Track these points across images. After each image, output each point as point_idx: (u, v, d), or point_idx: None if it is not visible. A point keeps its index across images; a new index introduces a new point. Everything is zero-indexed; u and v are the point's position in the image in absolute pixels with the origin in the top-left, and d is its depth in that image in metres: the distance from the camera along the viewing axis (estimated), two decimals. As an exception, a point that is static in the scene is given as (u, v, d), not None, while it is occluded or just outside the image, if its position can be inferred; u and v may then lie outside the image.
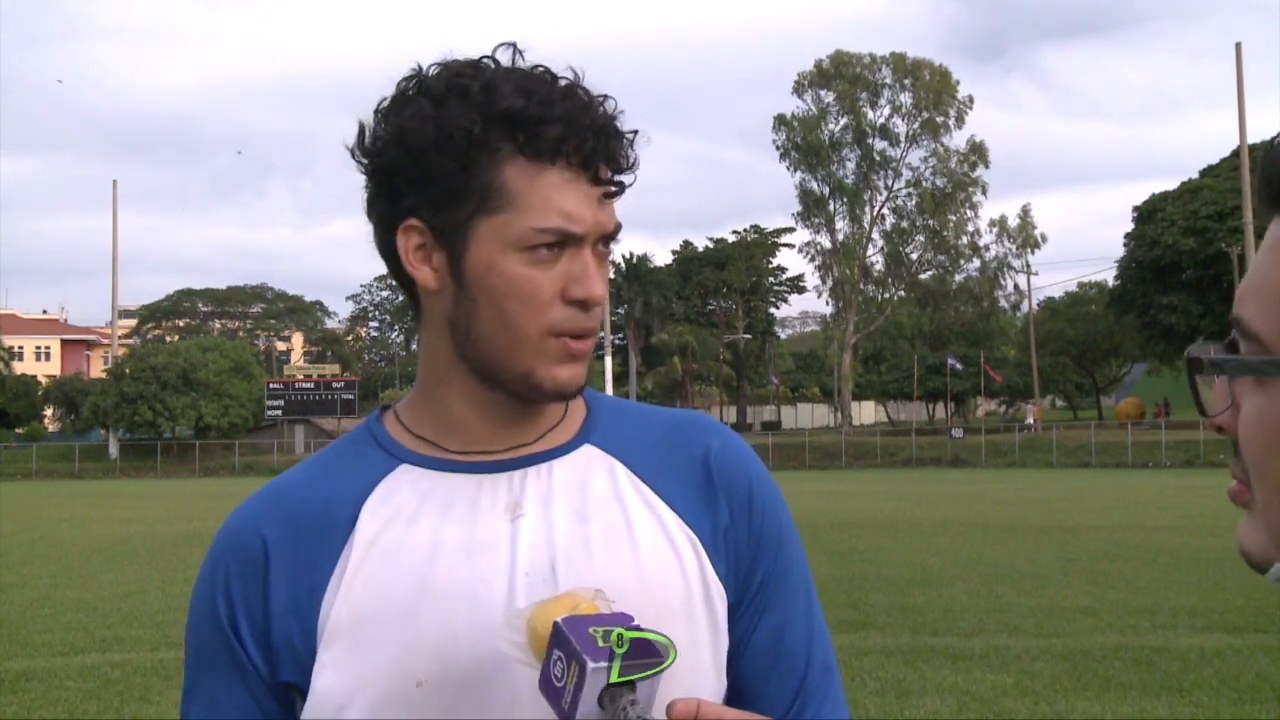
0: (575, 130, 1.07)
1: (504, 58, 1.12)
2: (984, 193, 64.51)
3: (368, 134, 1.13)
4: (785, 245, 77.85)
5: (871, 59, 64.26)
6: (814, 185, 64.97)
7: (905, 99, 64.26)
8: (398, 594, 1.10)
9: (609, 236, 1.12)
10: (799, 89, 65.19)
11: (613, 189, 1.11)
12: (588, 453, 1.19)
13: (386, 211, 1.13)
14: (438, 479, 1.16)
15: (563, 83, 1.10)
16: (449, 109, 1.08)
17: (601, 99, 1.11)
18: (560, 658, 0.95)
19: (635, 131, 1.13)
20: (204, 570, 1.18)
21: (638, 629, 0.97)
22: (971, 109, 64.35)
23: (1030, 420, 57.35)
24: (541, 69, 1.11)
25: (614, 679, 0.93)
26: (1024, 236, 65.90)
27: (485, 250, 1.09)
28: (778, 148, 65.12)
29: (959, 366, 63.24)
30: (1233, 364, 0.73)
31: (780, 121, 65.00)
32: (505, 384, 1.13)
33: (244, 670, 1.13)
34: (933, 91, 63.40)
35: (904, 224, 65.50)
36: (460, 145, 1.07)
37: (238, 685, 1.14)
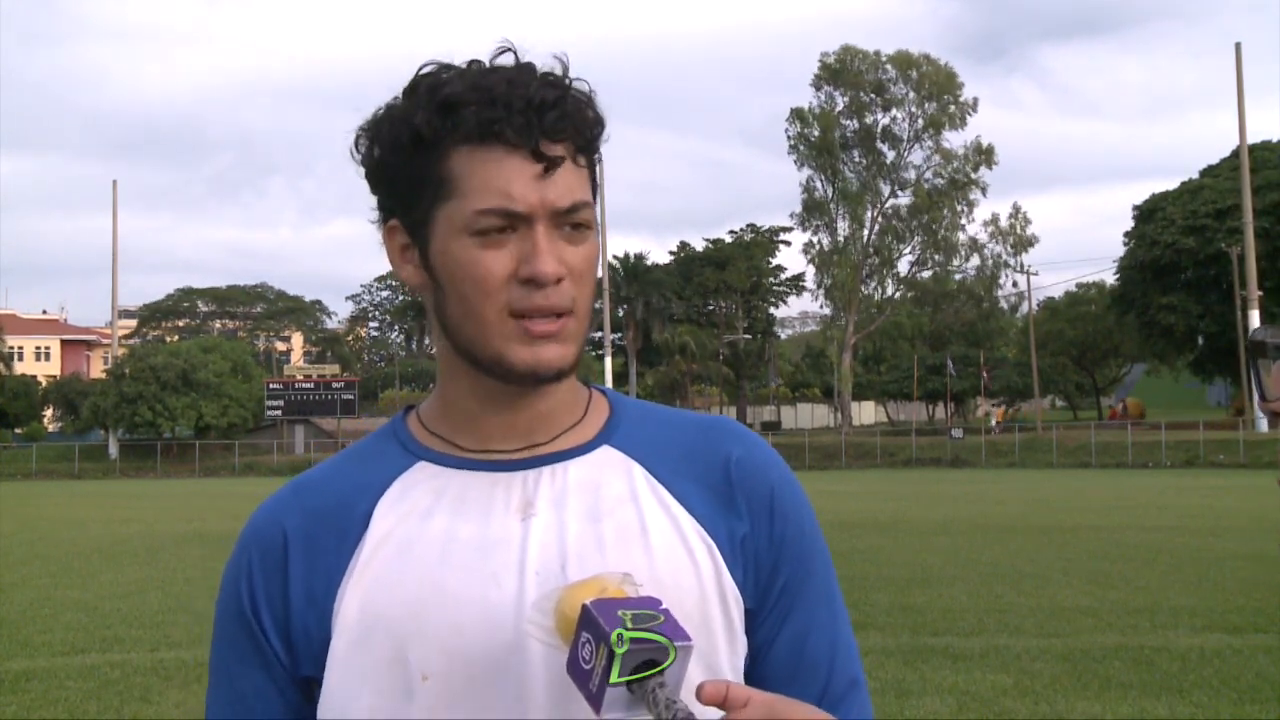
0: (508, 109, 1.07)
1: (505, 60, 1.12)
2: (983, 193, 64.53)
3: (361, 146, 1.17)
4: (783, 243, 77.95)
5: (876, 56, 64.19)
6: (818, 185, 65.01)
7: (909, 96, 64.25)
8: (408, 589, 1.10)
9: (564, 212, 1.10)
10: (817, 84, 65.16)
11: (555, 163, 1.08)
12: (606, 454, 1.19)
13: (378, 217, 1.18)
14: (453, 476, 1.16)
15: (518, 68, 1.11)
16: (400, 107, 1.11)
17: (555, 79, 1.11)
18: (588, 640, 0.96)
19: (583, 101, 1.12)
20: (230, 563, 1.20)
21: (666, 613, 0.98)
22: (975, 112, 64.33)
23: (994, 423, 57.13)
24: (524, 63, 1.12)
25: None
26: (1014, 237, 65.79)
27: (442, 238, 1.11)
28: (789, 139, 65.14)
29: (954, 373, 63.20)
30: None
31: (797, 115, 64.90)
32: (487, 370, 1.14)
33: (268, 662, 1.14)
34: (935, 84, 63.34)
35: (900, 223, 65.43)
36: (407, 139, 1.10)
37: (262, 677, 1.15)
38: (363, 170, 1.16)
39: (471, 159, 1.08)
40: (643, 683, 0.94)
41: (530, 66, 1.11)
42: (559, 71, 1.12)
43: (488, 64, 1.12)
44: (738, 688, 0.98)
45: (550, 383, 1.14)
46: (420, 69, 1.12)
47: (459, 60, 1.14)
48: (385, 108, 1.13)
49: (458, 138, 1.08)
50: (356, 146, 1.15)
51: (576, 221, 1.11)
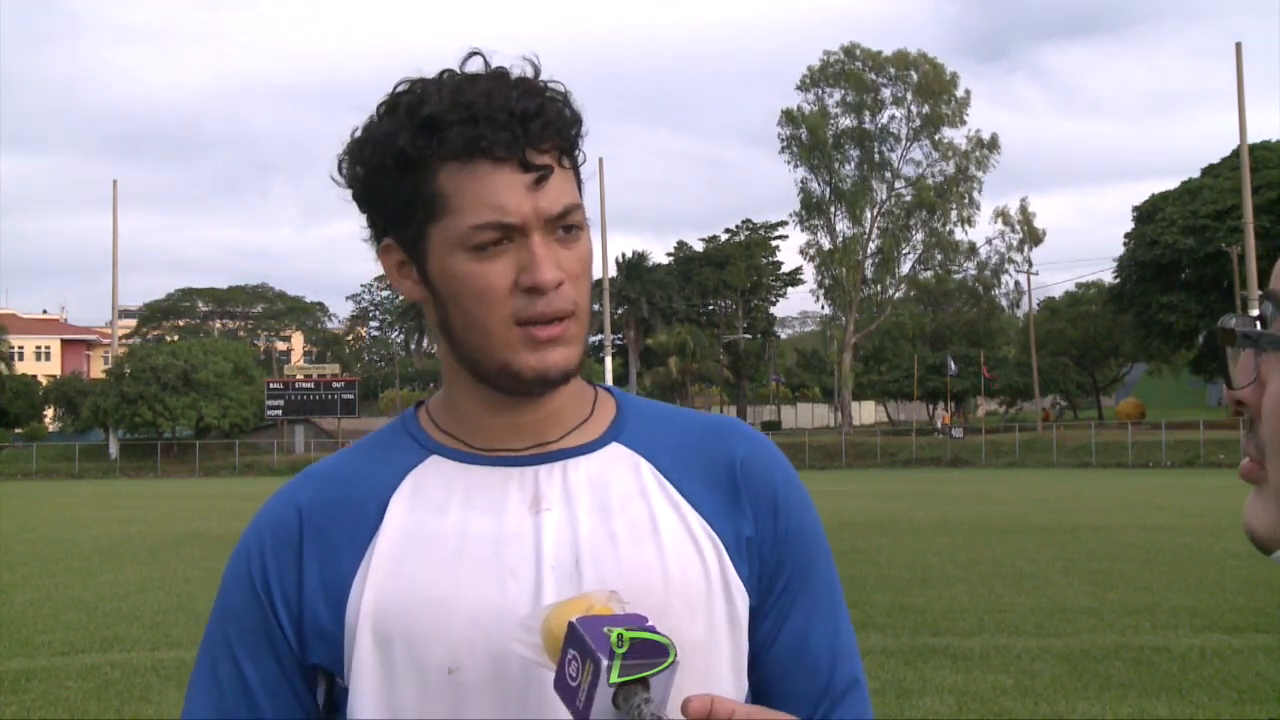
0: (492, 124, 1.08)
1: (475, 65, 1.13)
2: (980, 190, 64.51)
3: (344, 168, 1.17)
4: (779, 237, 77.85)
5: (872, 54, 64.06)
6: (815, 185, 64.97)
7: (907, 94, 64.15)
8: (427, 584, 1.11)
9: (556, 218, 1.11)
10: (804, 85, 65.12)
11: (544, 173, 1.10)
12: (614, 450, 1.20)
13: (371, 235, 1.19)
14: (465, 471, 1.18)
15: (494, 78, 1.11)
16: (382, 127, 1.12)
17: (532, 86, 1.11)
18: (575, 657, 0.96)
19: (561, 103, 1.12)
20: (239, 547, 1.20)
21: (651, 630, 0.98)
22: (969, 107, 64.22)
23: (940, 425, 56.70)
24: (497, 70, 1.12)
25: (614, 679, 0.94)
26: (1026, 229, 65.63)
27: (439, 255, 1.12)
28: (781, 140, 65.12)
29: (954, 370, 63.03)
30: (1267, 338, 0.72)
31: (787, 117, 64.89)
32: (492, 380, 1.15)
33: (276, 645, 1.14)
34: (930, 81, 63.24)
35: (901, 222, 65.35)
36: (392, 161, 1.11)
37: (269, 661, 1.15)
38: (349, 191, 1.17)
39: (460, 175, 1.09)
40: (629, 697, 0.94)
41: (504, 74, 1.12)
42: (530, 74, 1.13)
43: (459, 71, 1.12)
44: (722, 701, 0.99)
45: (558, 385, 1.15)
46: (396, 87, 1.13)
47: (442, 65, 1.13)
48: (365, 129, 1.13)
49: (444, 155, 1.09)
50: (340, 169, 1.16)
51: (569, 224, 1.12)
